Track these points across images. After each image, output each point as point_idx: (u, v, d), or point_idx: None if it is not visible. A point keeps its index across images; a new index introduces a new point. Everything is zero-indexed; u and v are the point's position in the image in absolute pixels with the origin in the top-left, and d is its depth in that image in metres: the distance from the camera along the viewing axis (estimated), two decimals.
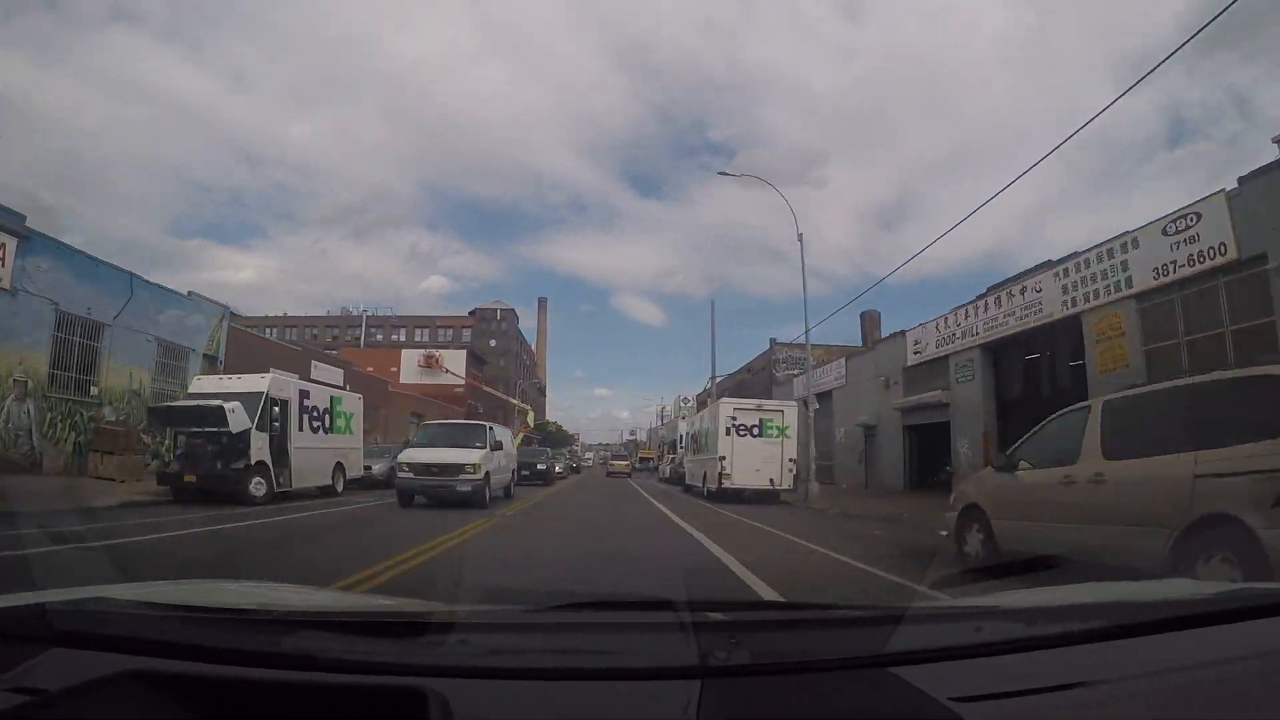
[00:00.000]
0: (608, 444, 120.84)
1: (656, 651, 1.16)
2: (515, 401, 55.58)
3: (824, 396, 28.11)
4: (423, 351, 59.61)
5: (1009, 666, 1.08)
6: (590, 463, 75.43)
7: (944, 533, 7.54)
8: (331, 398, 17.36)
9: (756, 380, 41.36)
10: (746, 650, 1.06)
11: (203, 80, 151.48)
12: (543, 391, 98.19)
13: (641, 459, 58.84)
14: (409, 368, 55.46)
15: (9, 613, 1.19)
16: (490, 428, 16.16)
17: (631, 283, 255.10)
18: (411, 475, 13.52)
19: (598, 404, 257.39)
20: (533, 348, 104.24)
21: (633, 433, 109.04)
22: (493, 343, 77.78)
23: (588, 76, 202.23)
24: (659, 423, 77.75)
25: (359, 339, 71.36)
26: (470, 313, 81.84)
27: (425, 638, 1.17)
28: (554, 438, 64.17)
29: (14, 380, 14.75)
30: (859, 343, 34.78)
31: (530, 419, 54.90)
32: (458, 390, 53.34)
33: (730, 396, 24.96)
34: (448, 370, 55.20)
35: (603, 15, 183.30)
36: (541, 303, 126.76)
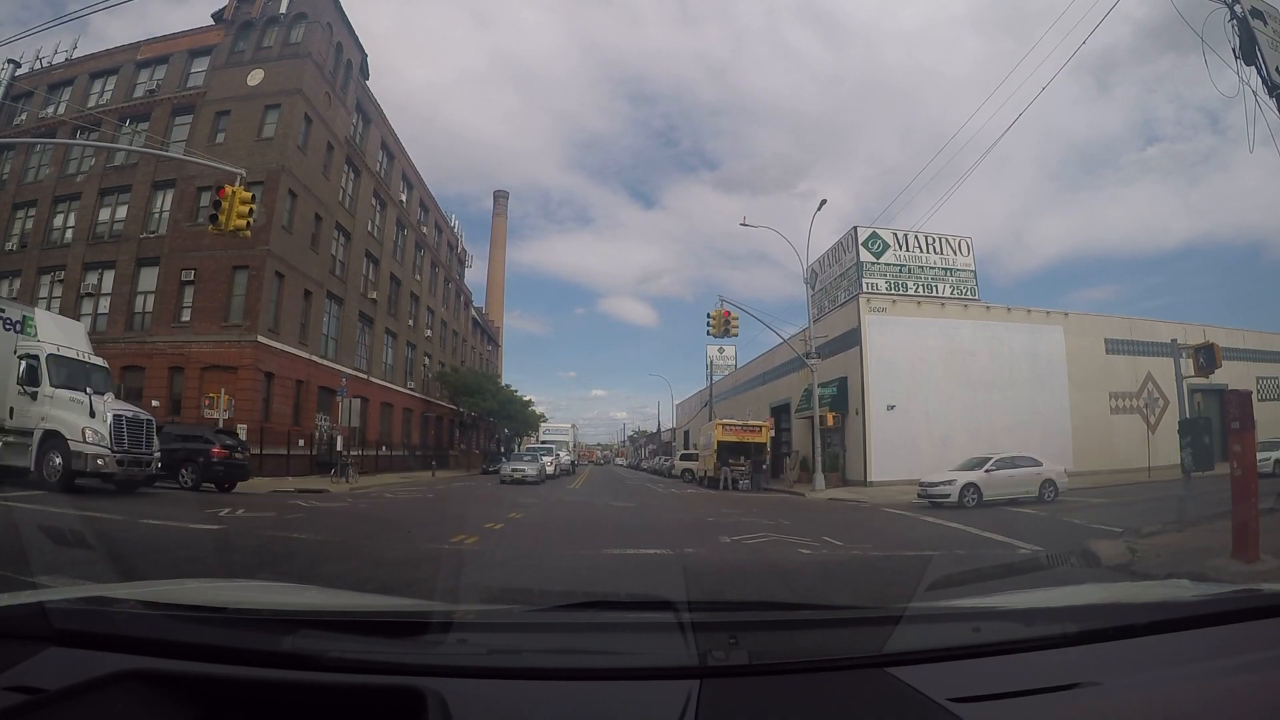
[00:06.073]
0: (607, 444, 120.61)
1: (655, 651, 1.16)
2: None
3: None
4: None
5: (1007, 667, 1.08)
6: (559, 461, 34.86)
7: None
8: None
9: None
10: (745, 650, 1.06)
11: None
12: (492, 339, 57.08)
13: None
14: None
15: (8, 611, 1.19)
16: None
17: (621, 286, 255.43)
18: None
19: (594, 404, 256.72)
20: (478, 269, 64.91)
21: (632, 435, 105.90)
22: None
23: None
24: (672, 424, 65.92)
25: None
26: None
27: (425, 637, 1.17)
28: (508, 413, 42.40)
29: None
30: None
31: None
32: None
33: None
34: None
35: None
36: (499, 200, 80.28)
